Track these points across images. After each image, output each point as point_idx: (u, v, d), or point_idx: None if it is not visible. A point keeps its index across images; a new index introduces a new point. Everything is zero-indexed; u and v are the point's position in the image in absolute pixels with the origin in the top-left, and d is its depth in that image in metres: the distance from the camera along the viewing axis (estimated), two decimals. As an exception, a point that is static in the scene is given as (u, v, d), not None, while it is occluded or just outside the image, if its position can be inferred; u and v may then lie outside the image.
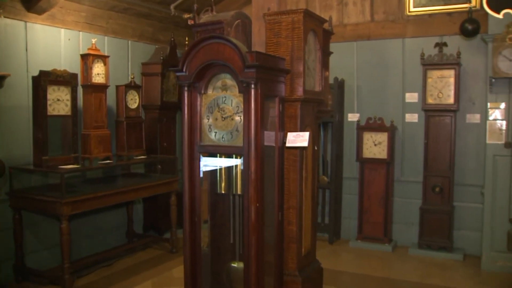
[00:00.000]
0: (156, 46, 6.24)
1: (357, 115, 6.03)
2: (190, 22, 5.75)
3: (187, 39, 6.51)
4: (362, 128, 5.76)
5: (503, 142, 4.86)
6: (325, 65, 3.86)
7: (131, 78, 5.49)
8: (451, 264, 5.16)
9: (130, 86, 5.40)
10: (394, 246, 5.71)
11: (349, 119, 6.10)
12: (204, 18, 3.65)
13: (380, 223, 5.71)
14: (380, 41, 5.89)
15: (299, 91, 3.26)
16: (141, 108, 5.62)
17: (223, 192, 3.31)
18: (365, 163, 5.75)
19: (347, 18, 6.09)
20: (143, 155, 5.51)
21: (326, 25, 3.82)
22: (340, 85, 5.88)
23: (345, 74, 5.97)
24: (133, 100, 5.42)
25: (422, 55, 5.38)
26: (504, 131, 4.87)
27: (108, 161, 4.92)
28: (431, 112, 5.43)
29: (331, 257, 5.38)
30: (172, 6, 5.85)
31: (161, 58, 5.91)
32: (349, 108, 6.10)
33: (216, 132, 3.03)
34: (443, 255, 5.34)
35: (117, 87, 5.32)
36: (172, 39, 6.13)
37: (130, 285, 4.55)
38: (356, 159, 5.83)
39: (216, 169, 3.30)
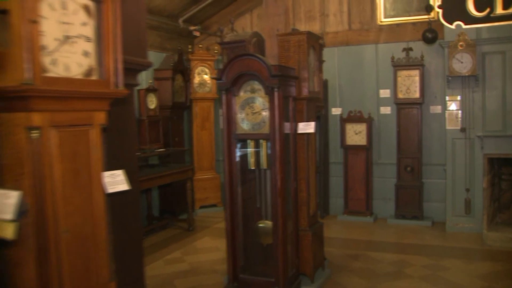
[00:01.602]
0: (165, 54, 7.37)
1: (340, 109, 7.31)
2: (195, 33, 6.97)
3: (190, 47, 7.65)
4: (344, 120, 7.04)
5: (459, 127, 6.21)
6: (320, 70, 5.10)
7: (150, 82, 6.62)
8: (422, 229, 6.50)
9: (149, 89, 6.53)
10: (375, 218, 7.02)
11: (333, 113, 7.38)
12: (228, 37, 4.83)
13: (362, 199, 7.01)
14: (357, 46, 7.19)
15: (305, 92, 4.48)
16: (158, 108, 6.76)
17: (252, 168, 4.48)
18: (348, 149, 7.04)
19: (328, 27, 7.37)
20: (161, 148, 6.65)
21: (320, 41, 5.06)
22: (324, 84, 7.15)
23: (328, 75, 7.23)
24: (152, 102, 6.55)
25: (393, 58, 6.70)
26: (460, 119, 6.22)
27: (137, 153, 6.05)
28: (401, 105, 6.75)
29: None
30: (180, 20, 7.01)
31: (171, 64, 7.05)
32: (332, 104, 7.38)
33: (247, 124, 4.22)
34: (415, 223, 6.68)
35: (138, 90, 6.43)
36: (179, 47, 7.28)
37: (163, 255, 5.69)
38: (340, 146, 7.11)
39: (247, 152, 4.47)
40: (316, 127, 5.05)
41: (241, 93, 4.25)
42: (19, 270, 2.01)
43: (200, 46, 7.53)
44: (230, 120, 4.25)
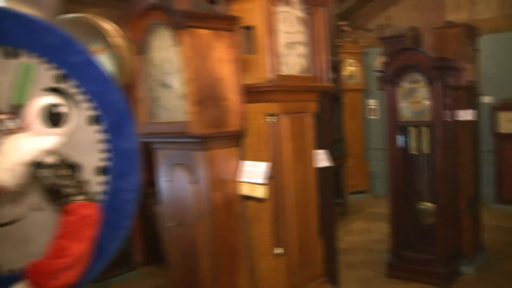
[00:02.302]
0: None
1: (490, 97, 7.31)
2: (345, 28, 7.45)
3: (339, 41, 8.13)
4: (496, 108, 7.07)
5: None
6: (475, 60, 5.31)
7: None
8: None
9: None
10: (529, 207, 6.97)
11: (483, 101, 7.41)
12: (388, 32, 5.25)
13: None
14: (508, 33, 7.16)
15: (463, 81, 4.76)
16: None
17: (413, 152, 4.87)
18: (500, 137, 7.05)
19: (477, 15, 7.41)
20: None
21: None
22: (474, 73, 7.22)
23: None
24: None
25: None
26: None
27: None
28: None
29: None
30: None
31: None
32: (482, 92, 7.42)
33: (409, 111, 4.62)
34: None
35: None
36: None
37: (320, 234, 6.28)
38: (490, 134, 7.12)
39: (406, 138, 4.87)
40: (475, 115, 5.28)
41: (403, 84, 4.65)
42: (257, 224, 2.67)
43: (349, 39, 7.99)
44: (393, 108, 4.68)
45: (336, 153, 7.14)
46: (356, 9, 8.26)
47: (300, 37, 2.75)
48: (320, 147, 2.95)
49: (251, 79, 2.55)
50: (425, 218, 4.84)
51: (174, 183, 2.61)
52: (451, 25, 4.85)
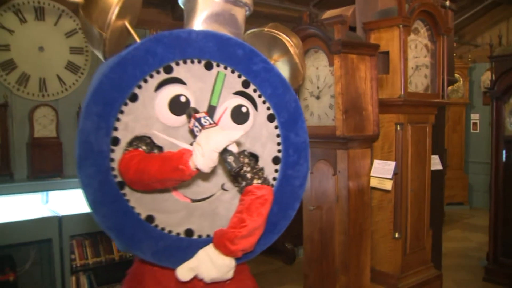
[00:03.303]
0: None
1: None
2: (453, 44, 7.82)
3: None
4: None
5: None
6: None
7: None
8: None
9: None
10: None
11: None
12: (497, 51, 5.68)
13: None
14: None
15: None
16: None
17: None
18: None
19: None
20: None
21: None
22: None
23: None
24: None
25: None
26: None
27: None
28: None
29: None
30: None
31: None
32: None
33: (514, 127, 5.06)
34: None
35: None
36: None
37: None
38: None
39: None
40: None
41: (511, 101, 5.09)
42: (381, 212, 3.33)
43: (454, 54, 8.38)
44: (499, 124, 5.13)
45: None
46: (465, 24, 8.61)
47: (425, 60, 3.38)
48: (434, 153, 3.56)
49: (385, 94, 3.21)
50: (524, 228, 5.24)
51: (314, 174, 3.34)
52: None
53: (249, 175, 1.81)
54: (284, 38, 2.09)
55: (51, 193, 4.95)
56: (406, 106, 3.19)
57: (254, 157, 1.86)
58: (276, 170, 1.87)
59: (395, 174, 3.12)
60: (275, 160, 1.88)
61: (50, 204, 4.91)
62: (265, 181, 1.83)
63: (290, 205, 1.90)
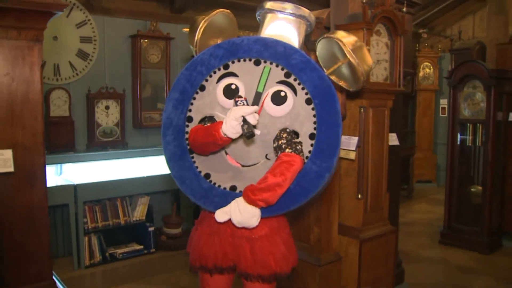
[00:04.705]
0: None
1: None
2: (423, 34, 8.77)
3: (416, 45, 9.46)
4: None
5: None
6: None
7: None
8: None
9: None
10: None
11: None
12: (457, 44, 6.61)
13: None
14: None
15: (517, 89, 6.07)
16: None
17: (469, 145, 6.24)
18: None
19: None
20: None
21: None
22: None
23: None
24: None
25: None
26: None
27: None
28: None
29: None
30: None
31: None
32: None
33: (468, 111, 5.99)
34: None
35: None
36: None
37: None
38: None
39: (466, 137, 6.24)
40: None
41: (465, 89, 6.04)
42: (347, 178, 4.23)
43: (426, 44, 9.31)
44: (455, 109, 6.07)
45: (407, 144, 8.53)
46: (436, 17, 9.52)
47: (385, 56, 4.25)
48: (392, 131, 4.46)
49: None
50: (474, 199, 6.22)
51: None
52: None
53: (283, 146, 2.19)
54: (339, 41, 2.30)
55: (64, 165, 5.77)
56: (368, 93, 4.06)
57: (295, 134, 2.26)
58: (311, 145, 2.25)
59: (358, 147, 4.01)
60: (311, 136, 2.25)
61: (64, 175, 5.73)
62: (295, 151, 2.18)
63: (320, 174, 2.24)
